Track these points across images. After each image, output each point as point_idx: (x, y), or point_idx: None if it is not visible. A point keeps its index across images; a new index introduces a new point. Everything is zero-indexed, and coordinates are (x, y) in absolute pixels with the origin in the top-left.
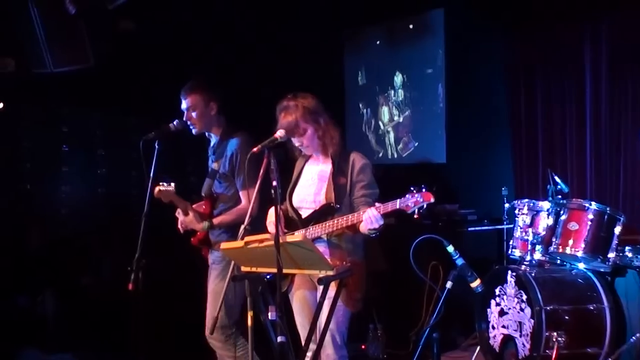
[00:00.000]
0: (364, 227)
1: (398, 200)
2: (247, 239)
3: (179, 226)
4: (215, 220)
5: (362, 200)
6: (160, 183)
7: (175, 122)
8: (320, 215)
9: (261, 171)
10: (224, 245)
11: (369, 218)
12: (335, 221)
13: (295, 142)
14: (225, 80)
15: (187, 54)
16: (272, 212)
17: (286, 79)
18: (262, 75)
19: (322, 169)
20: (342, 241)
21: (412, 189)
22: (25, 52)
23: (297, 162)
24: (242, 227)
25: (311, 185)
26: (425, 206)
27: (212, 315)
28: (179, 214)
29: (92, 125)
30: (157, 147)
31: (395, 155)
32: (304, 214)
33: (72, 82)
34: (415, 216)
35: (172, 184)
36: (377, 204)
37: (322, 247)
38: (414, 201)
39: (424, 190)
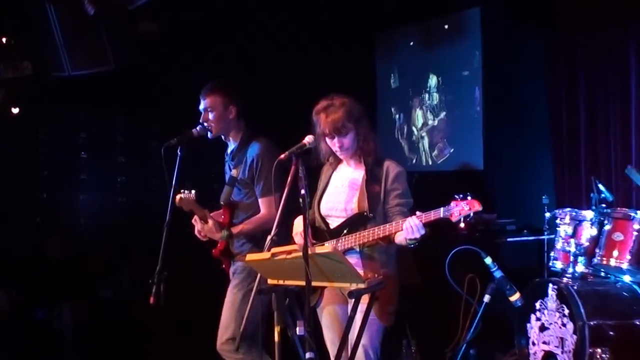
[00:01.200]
0: (402, 237)
1: (441, 208)
2: (274, 250)
3: (197, 233)
4: (235, 229)
5: (397, 210)
6: (181, 191)
7: (198, 128)
8: (352, 224)
9: (289, 179)
10: (250, 256)
11: (410, 227)
12: (371, 231)
13: (334, 143)
14: (249, 84)
15: (210, 56)
16: (299, 222)
17: (314, 83)
18: (288, 79)
19: (353, 176)
20: (375, 252)
21: (456, 196)
22: (42, 54)
23: (324, 168)
24: (269, 237)
25: (341, 193)
26: (472, 215)
27: (224, 325)
28: (196, 221)
29: (112, 131)
30: (179, 153)
31: (430, 162)
32: (333, 223)
33: (91, 86)
34: (462, 226)
35: (193, 192)
36: (418, 213)
37: (354, 259)
38: (460, 210)
39: (469, 197)
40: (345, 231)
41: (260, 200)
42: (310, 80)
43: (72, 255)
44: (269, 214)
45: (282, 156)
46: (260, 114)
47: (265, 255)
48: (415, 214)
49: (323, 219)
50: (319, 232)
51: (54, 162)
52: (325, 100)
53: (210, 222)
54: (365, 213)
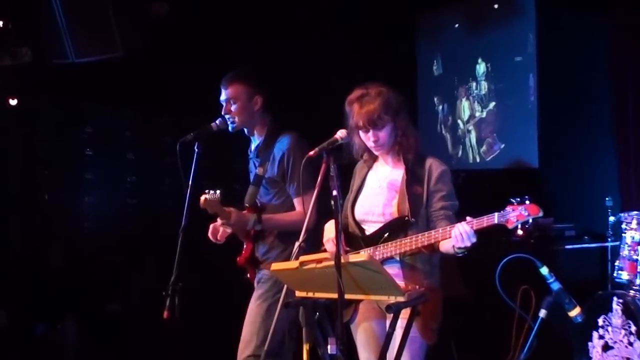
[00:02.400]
0: (449, 245)
1: (496, 214)
2: (302, 258)
3: (210, 235)
4: (265, 217)
5: (442, 214)
6: (206, 191)
7: (217, 121)
8: (392, 230)
9: (319, 178)
10: (275, 265)
11: (460, 235)
12: (414, 238)
13: (368, 137)
14: (276, 73)
15: (231, 43)
16: (330, 227)
17: (348, 71)
18: (319, 68)
19: (392, 176)
20: (417, 262)
21: (512, 200)
22: (43, 40)
23: (358, 167)
24: (296, 244)
25: (378, 194)
26: (531, 221)
27: (245, 340)
28: (220, 225)
29: (121, 126)
30: (196, 150)
31: (478, 159)
32: (369, 229)
33: (98, 74)
34: (520, 233)
35: (218, 192)
36: (468, 218)
37: (394, 269)
38: (517, 215)
39: (527, 202)
40: (383, 238)
41: (295, 200)
42: (344, 68)
43: (76, 264)
44: (304, 212)
45: (311, 153)
46: (289, 106)
47: (293, 264)
48: (465, 220)
49: (357, 224)
50: (353, 238)
51: (56, 159)
52: (359, 89)
53: (233, 216)
54: (406, 218)
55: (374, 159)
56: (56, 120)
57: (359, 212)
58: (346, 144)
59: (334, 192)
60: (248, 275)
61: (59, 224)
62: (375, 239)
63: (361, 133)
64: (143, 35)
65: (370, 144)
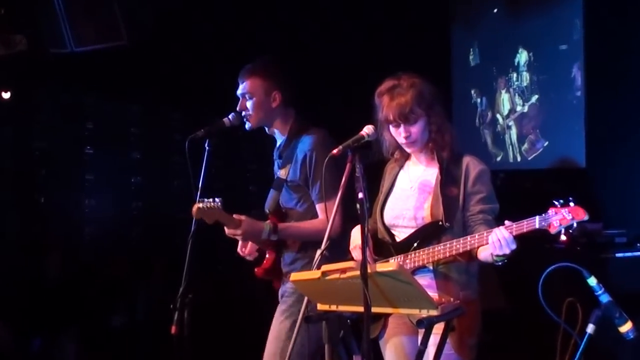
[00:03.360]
0: (487, 253)
1: (537, 217)
2: (324, 268)
3: (240, 251)
4: (282, 226)
5: (480, 218)
6: (200, 200)
7: (231, 116)
8: (424, 236)
9: (343, 180)
10: (295, 276)
11: (498, 241)
12: (449, 245)
13: (399, 133)
14: (301, 64)
15: (250, 29)
16: (357, 233)
17: (378, 61)
18: (347, 58)
19: (425, 176)
20: (453, 271)
21: (555, 202)
22: (39, 27)
23: (389, 167)
24: (319, 252)
25: (410, 196)
26: (575, 225)
27: (268, 357)
28: (230, 235)
29: (125, 121)
30: (207, 148)
31: (519, 158)
32: (400, 235)
33: (100, 65)
34: (564, 239)
35: (218, 200)
36: (507, 222)
37: (426, 279)
38: (560, 219)
39: (571, 204)
40: (415, 245)
41: (318, 206)
42: (373, 58)
43: (75, 273)
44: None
45: (335, 151)
46: (314, 100)
47: (314, 274)
48: (503, 224)
49: (387, 229)
50: (382, 245)
51: (54, 158)
52: (390, 79)
53: (244, 222)
54: (440, 222)
55: (406, 157)
56: (54, 115)
57: (389, 216)
58: (375, 141)
59: (360, 195)
60: (274, 284)
61: (56, 230)
62: (406, 246)
63: (392, 128)
64: (150, 21)
65: (401, 140)
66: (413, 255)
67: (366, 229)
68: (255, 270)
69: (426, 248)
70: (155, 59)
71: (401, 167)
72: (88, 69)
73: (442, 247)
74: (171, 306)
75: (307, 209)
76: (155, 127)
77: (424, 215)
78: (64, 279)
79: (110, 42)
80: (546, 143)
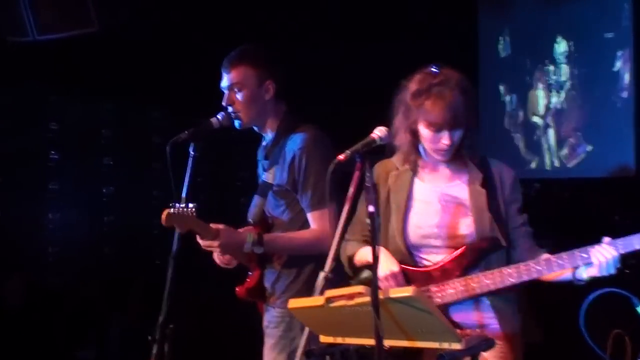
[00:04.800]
0: (568, 274)
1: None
2: (329, 293)
3: (217, 259)
4: (268, 237)
5: (524, 231)
6: (172, 204)
7: (220, 115)
8: (477, 258)
9: (350, 190)
10: (293, 302)
11: (605, 261)
12: (523, 268)
13: (439, 139)
14: (295, 51)
15: (238, 14)
16: (366, 252)
17: (389, 51)
18: (352, 46)
19: (453, 187)
20: (506, 299)
21: None
22: None
23: (392, 175)
24: (322, 274)
25: (438, 212)
26: None
27: None
28: (205, 247)
29: (95, 121)
30: (192, 153)
31: (557, 165)
32: (429, 257)
33: (65, 56)
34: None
35: (191, 206)
36: (607, 239)
37: (483, 310)
38: None
39: None
40: (469, 268)
41: (309, 215)
42: (385, 47)
43: (38, 300)
44: (322, 230)
45: (342, 156)
46: (311, 94)
47: (317, 300)
48: (603, 240)
49: (410, 250)
50: (412, 271)
51: (12, 165)
52: (428, 74)
53: (222, 231)
54: (496, 240)
55: (422, 165)
56: (11, 114)
57: (415, 236)
58: (388, 146)
59: (371, 208)
60: (258, 306)
61: (15, 249)
62: (453, 270)
63: (426, 132)
64: (125, 4)
65: (439, 146)
66: (473, 280)
67: (377, 244)
68: (237, 289)
69: (490, 272)
70: (130, 48)
71: (414, 175)
72: (52, 60)
73: (513, 270)
74: (149, 338)
75: (294, 218)
76: (131, 128)
77: (466, 234)
78: (25, 307)
79: (78, 29)
80: (589, 147)
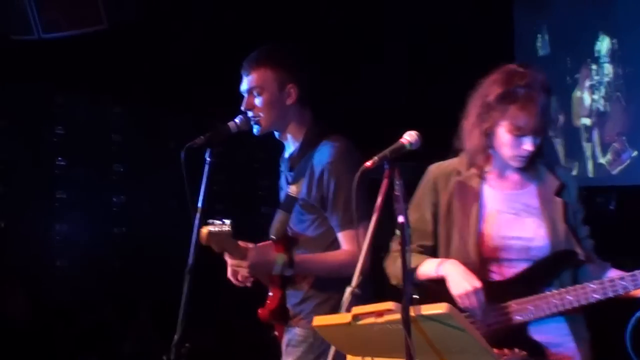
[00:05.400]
0: None
1: None
2: (355, 310)
3: (231, 277)
4: (299, 258)
5: (590, 244)
6: (210, 221)
7: (237, 119)
8: (554, 271)
9: (378, 199)
10: (319, 320)
11: None
12: (609, 284)
13: (519, 146)
14: (320, 52)
15: (263, 11)
16: (452, 269)
17: (417, 49)
18: (378, 46)
19: (525, 195)
20: (572, 316)
21: None
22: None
23: (453, 180)
24: (348, 290)
25: (513, 221)
26: None
27: None
28: (234, 267)
29: (105, 126)
30: (209, 159)
31: (600, 172)
32: (502, 269)
33: (73, 56)
34: None
35: (228, 222)
36: None
37: (559, 328)
38: None
39: None
40: (549, 283)
41: (340, 235)
42: (418, 47)
43: (43, 316)
44: (354, 251)
45: (369, 163)
46: (338, 99)
47: (343, 318)
48: None
49: (484, 263)
50: (489, 285)
51: (15, 172)
52: (513, 73)
53: (252, 251)
54: (575, 253)
55: (486, 170)
56: (15, 117)
57: (487, 247)
58: (418, 151)
59: (400, 219)
60: (276, 332)
61: (20, 262)
62: (526, 285)
63: (505, 136)
64: (136, 1)
65: (520, 152)
66: (554, 296)
67: (407, 260)
68: (260, 312)
69: (572, 288)
70: (142, 47)
71: (483, 181)
72: (59, 60)
73: (598, 285)
74: (164, 358)
75: (321, 235)
76: (143, 133)
77: (540, 246)
78: (30, 324)
79: (86, 27)
80: (634, 153)
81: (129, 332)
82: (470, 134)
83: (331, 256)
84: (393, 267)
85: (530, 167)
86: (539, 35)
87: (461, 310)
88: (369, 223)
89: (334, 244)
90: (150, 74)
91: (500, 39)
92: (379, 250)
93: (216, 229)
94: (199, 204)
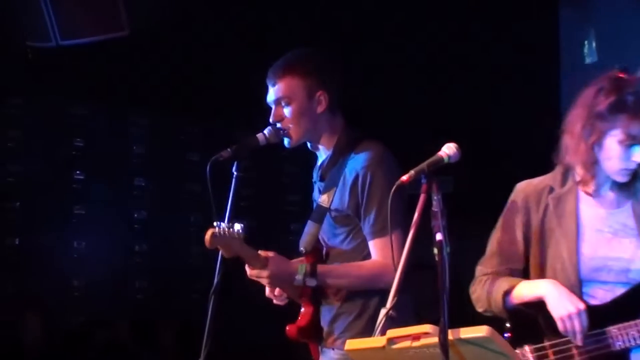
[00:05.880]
0: None
1: None
2: (390, 333)
3: (269, 294)
4: (322, 268)
5: None
6: (216, 224)
7: (266, 131)
8: None
9: (415, 215)
10: (350, 344)
11: None
12: None
13: (628, 157)
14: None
15: (290, 15)
16: (554, 289)
17: (457, 55)
18: (414, 49)
19: (620, 214)
20: None
21: None
22: (16, 16)
23: (544, 197)
24: (383, 311)
25: (610, 242)
26: None
27: None
28: (252, 276)
29: (126, 136)
30: (235, 172)
31: None
32: (597, 292)
33: (93, 64)
34: None
35: (239, 227)
36: None
37: None
38: None
39: None
40: None
41: (372, 243)
42: (454, 50)
43: (60, 340)
44: (384, 260)
45: (405, 177)
46: (371, 106)
47: (377, 341)
48: None
49: (581, 285)
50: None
51: (31, 186)
52: (620, 81)
53: (272, 259)
54: None
55: (584, 187)
56: (30, 128)
57: (586, 268)
58: (456, 165)
59: (438, 236)
60: (311, 350)
61: (35, 282)
62: (627, 309)
63: (615, 148)
64: (159, 7)
65: (629, 165)
66: None
67: (446, 281)
68: (287, 329)
69: None
70: (164, 55)
71: (579, 200)
72: (78, 68)
73: None
74: None
75: (356, 248)
76: (166, 145)
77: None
78: (45, 348)
79: (106, 34)
80: None
81: (149, 356)
82: (576, 148)
83: (359, 266)
84: (480, 293)
85: (625, 184)
86: (585, 42)
87: (560, 334)
88: (403, 234)
89: (367, 258)
90: (174, 82)
91: (546, 46)
92: (415, 268)
93: (222, 230)
94: (225, 220)
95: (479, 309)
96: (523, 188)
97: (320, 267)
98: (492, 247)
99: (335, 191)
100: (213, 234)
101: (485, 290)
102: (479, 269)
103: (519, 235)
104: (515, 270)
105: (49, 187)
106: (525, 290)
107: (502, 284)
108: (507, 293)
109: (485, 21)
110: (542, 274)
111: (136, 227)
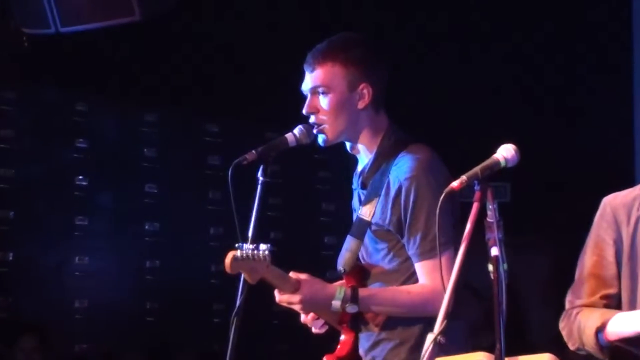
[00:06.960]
0: None
1: None
2: None
3: (306, 322)
4: (365, 292)
5: None
6: (238, 245)
7: (297, 130)
8: None
9: (468, 226)
10: None
11: None
12: None
13: None
14: (397, 50)
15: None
16: (626, 321)
17: (517, 56)
18: (467, 47)
19: None
20: None
21: None
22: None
23: (635, 210)
24: (430, 336)
25: None
26: None
27: None
28: (282, 302)
29: (135, 138)
30: (261, 178)
31: None
32: None
33: (98, 54)
34: None
35: (265, 248)
36: None
37: None
38: None
39: None
40: None
41: (418, 265)
42: (512, 51)
43: None
44: (434, 284)
45: (456, 184)
46: (420, 105)
47: None
48: None
49: None
50: None
51: (29, 194)
52: None
53: (305, 283)
54: None
55: None
56: (30, 126)
57: None
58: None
59: (494, 251)
60: None
61: (31, 303)
62: None
63: None
64: None
65: None
66: None
67: (502, 303)
68: (325, 358)
69: None
70: (179, 44)
71: None
72: (80, 59)
73: None
74: None
75: (400, 267)
76: (181, 146)
77: None
78: None
79: (114, 20)
80: None
81: None
82: None
83: (407, 291)
84: (571, 329)
85: None
86: None
87: None
88: (454, 252)
89: (413, 277)
90: (189, 77)
91: (616, 46)
92: (467, 287)
93: (244, 254)
94: (249, 233)
95: (571, 347)
96: (610, 201)
97: (362, 291)
98: (582, 273)
99: (377, 202)
100: (234, 257)
101: (576, 326)
102: (569, 300)
103: (610, 255)
104: (611, 296)
105: (47, 195)
106: (622, 324)
107: (594, 318)
108: (600, 329)
109: (560, 19)
110: (633, 297)
111: (147, 240)
